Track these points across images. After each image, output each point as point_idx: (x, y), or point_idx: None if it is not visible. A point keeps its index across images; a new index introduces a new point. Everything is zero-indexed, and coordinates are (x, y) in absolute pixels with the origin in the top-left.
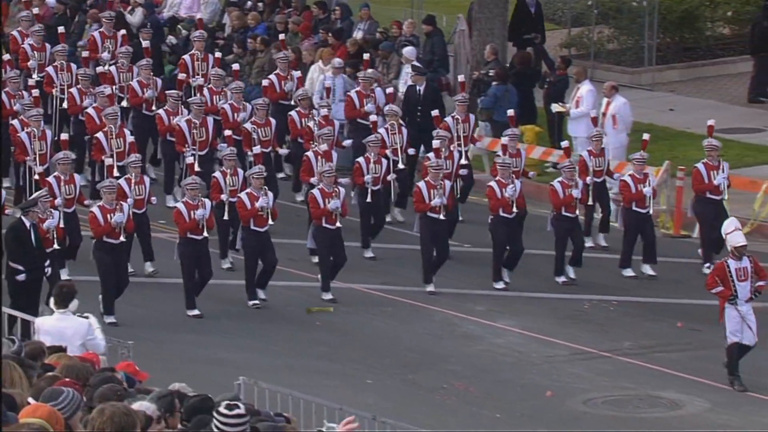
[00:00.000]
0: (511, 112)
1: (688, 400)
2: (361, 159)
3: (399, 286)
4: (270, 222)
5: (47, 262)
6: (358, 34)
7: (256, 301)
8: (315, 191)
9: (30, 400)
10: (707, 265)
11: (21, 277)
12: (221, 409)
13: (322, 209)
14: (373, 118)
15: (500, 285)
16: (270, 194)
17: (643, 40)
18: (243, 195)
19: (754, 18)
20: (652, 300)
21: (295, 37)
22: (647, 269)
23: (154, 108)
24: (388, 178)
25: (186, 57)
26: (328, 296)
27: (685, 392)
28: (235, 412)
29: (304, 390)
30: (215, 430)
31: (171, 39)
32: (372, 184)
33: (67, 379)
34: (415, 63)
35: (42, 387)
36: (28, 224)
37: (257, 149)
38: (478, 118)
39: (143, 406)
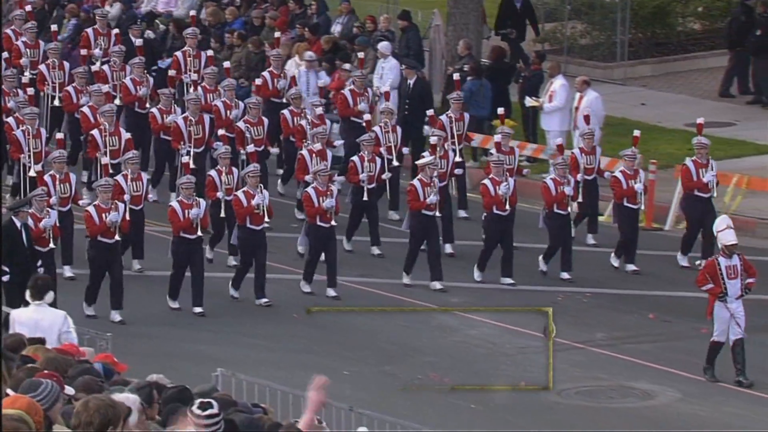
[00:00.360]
0: (501, 110)
1: (660, 390)
2: (355, 158)
3: (376, 279)
4: (266, 220)
5: (39, 262)
6: (336, 28)
7: (236, 295)
8: (310, 189)
9: (9, 391)
10: (699, 261)
11: (5, 278)
12: (194, 408)
13: (317, 207)
14: (367, 117)
15: (479, 277)
16: (266, 192)
17: (616, 36)
18: (239, 193)
19: (731, 13)
20: (624, 292)
21: (272, 32)
22: (630, 267)
23: (147, 106)
24: (383, 176)
25: (179, 54)
26: (307, 288)
27: (657, 382)
28: (208, 412)
29: (282, 382)
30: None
31: (149, 33)
32: (367, 182)
33: (45, 371)
34: (406, 58)
35: (21, 378)
36: (18, 224)
37: (251, 148)
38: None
39: (129, 399)
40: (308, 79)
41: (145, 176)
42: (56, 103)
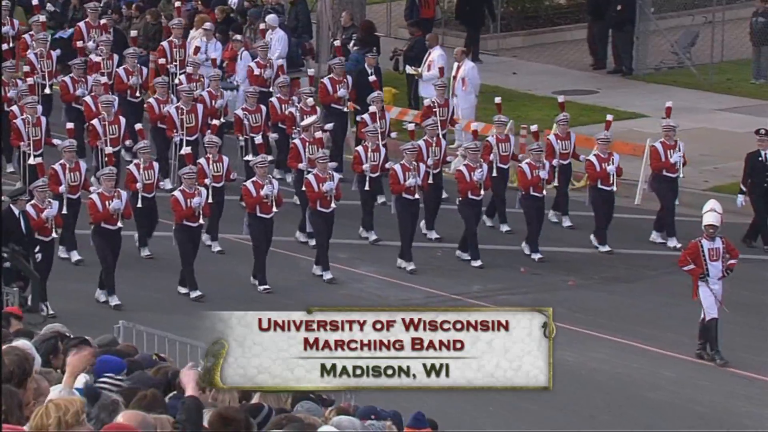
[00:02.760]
0: (498, 99)
1: None
2: (359, 147)
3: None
4: (274, 209)
5: (37, 248)
6: (233, 0)
7: (267, 287)
8: (309, 176)
9: None
10: (680, 244)
11: (6, 264)
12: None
13: (317, 192)
14: (372, 108)
15: (478, 263)
16: (275, 182)
17: None
18: (248, 183)
19: None
20: (498, 247)
21: (168, 4)
22: (604, 248)
23: (138, 95)
24: (387, 165)
25: (164, 43)
26: (328, 276)
27: None
28: None
29: (180, 333)
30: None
31: (50, 6)
32: (370, 171)
33: None
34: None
35: None
36: (17, 212)
37: (258, 139)
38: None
39: (26, 344)
40: (206, 49)
41: (156, 165)
42: (47, 91)
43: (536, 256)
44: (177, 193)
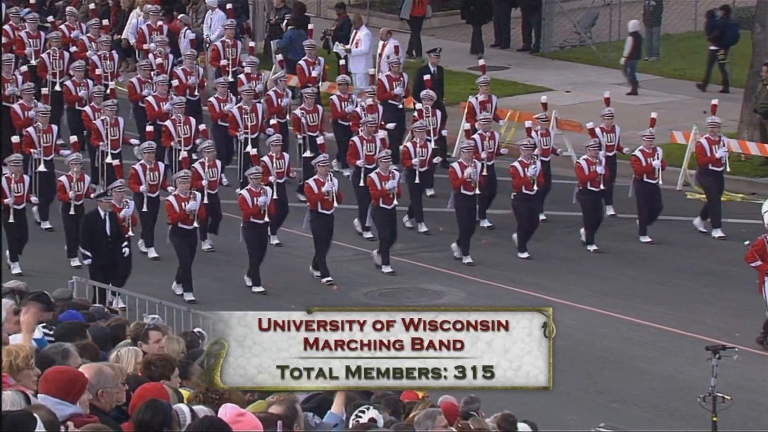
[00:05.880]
0: (544, 98)
1: (448, 291)
2: (408, 143)
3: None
4: (335, 204)
5: (125, 243)
6: None
7: (329, 278)
8: (373, 175)
9: None
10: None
11: (87, 261)
12: None
13: (380, 190)
14: (418, 106)
15: (525, 255)
16: (335, 180)
17: None
18: (311, 181)
19: None
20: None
21: None
22: (645, 239)
23: (196, 93)
24: (434, 161)
25: (218, 43)
26: (387, 269)
27: (446, 285)
28: None
29: (128, 287)
30: None
31: None
32: (419, 166)
33: None
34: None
35: None
36: (102, 213)
37: (320, 139)
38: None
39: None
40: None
41: (219, 163)
42: (108, 92)
43: (591, 248)
44: (244, 192)
